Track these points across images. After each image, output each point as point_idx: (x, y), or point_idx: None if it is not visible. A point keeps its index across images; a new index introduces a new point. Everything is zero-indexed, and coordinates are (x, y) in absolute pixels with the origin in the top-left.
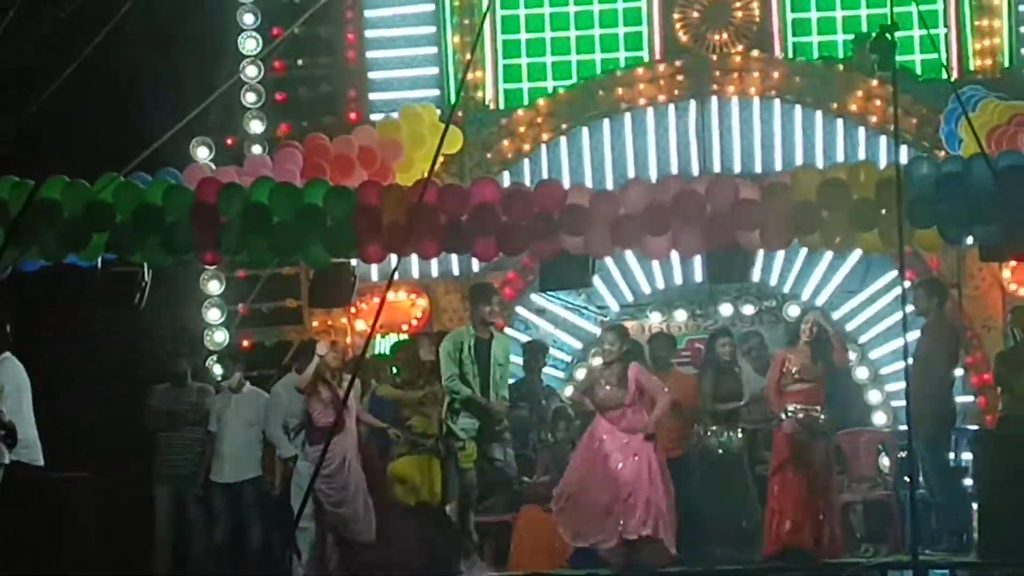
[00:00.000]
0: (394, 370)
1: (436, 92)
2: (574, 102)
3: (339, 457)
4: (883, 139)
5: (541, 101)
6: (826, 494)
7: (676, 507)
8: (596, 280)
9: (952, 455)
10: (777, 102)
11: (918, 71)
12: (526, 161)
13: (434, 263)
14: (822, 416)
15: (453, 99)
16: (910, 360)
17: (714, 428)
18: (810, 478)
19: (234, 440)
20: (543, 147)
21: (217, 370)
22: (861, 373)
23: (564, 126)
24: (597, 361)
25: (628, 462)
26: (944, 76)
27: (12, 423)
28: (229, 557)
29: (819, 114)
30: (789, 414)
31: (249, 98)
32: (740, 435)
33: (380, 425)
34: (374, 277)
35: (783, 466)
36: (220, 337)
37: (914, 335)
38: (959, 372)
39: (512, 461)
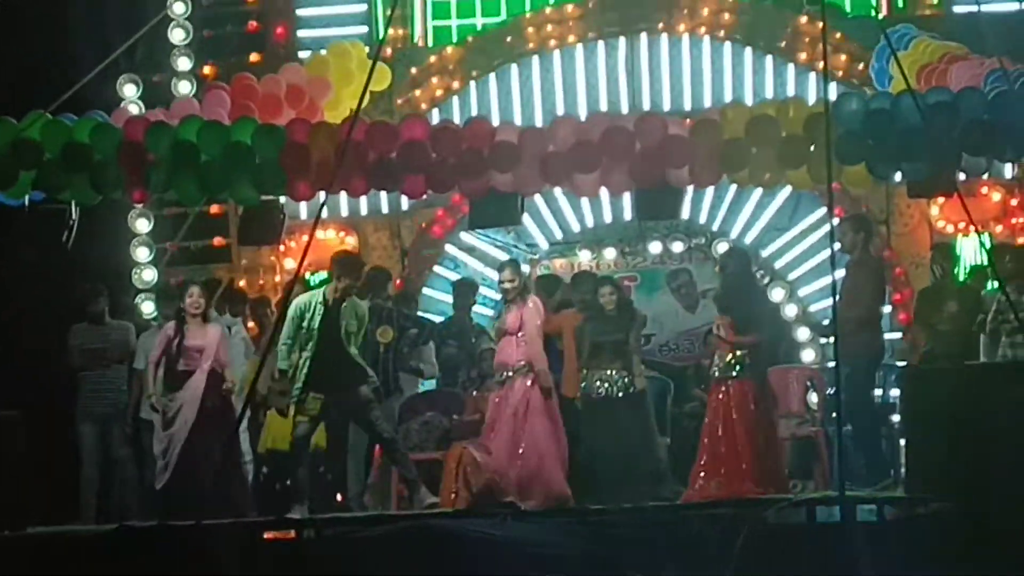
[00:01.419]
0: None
1: (364, 29)
2: (503, 39)
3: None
4: (812, 76)
5: (470, 38)
6: (763, 435)
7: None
8: (525, 218)
9: (880, 391)
10: (707, 39)
11: (847, 7)
12: (455, 99)
13: (363, 201)
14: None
15: (381, 36)
16: (838, 297)
17: (601, 373)
18: (746, 429)
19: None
20: (472, 84)
21: (146, 308)
22: (790, 310)
23: (494, 63)
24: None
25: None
26: (874, 13)
27: None
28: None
29: (748, 51)
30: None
31: (176, 35)
32: (629, 379)
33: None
34: (303, 215)
35: (715, 423)
36: (149, 275)
37: (842, 273)
38: (887, 309)
39: (375, 421)
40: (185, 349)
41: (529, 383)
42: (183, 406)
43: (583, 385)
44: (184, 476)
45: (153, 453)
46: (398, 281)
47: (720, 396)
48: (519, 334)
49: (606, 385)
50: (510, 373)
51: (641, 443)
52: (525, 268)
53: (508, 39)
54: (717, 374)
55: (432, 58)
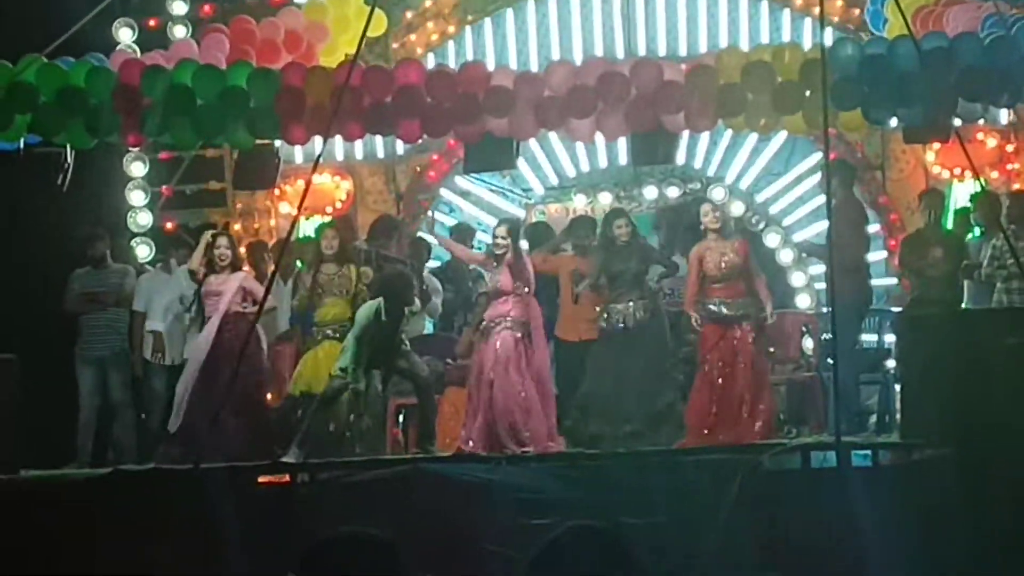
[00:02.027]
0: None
1: None
2: None
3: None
4: (807, 21)
5: None
6: (755, 383)
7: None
8: (520, 162)
9: (876, 337)
10: None
11: None
12: (451, 43)
13: (358, 145)
14: (736, 305)
15: None
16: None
17: (617, 306)
18: (737, 377)
19: (161, 320)
20: (468, 29)
21: (141, 252)
22: (785, 256)
23: (489, 8)
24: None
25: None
26: None
27: None
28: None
29: None
30: (712, 308)
31: None
32: (648, 311)
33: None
34: (298, 159)
35: (708, 369)
36: (144, 219)
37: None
38: (882, 255)
39: (415, 365)
40: (204, 294)
41: (520, 336)
42: (194, 350)
43: (603, 317)
44: (194, 419)
45: (157, 395)
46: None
47: (722, 340)
48: (515, 291)
49: (624, 316)
50: (505, 324)
51: (660, 374)
52: (521, 213)
53: None
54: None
55: (427, 2)
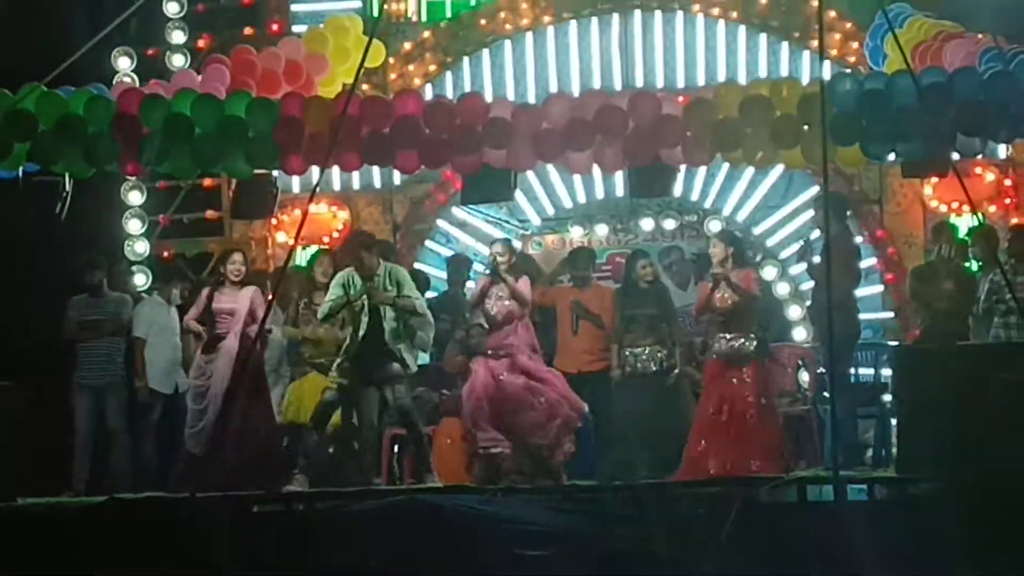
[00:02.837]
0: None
1: (358, 3)
2: (497, 14)
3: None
4: (806, 54)
5: (464, 13)
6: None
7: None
8: (517, 193)
9: (872, 370)
10: (700, 16)
11: None
12: (449, 74)
13: (356, 175)
14: (746, 341)
15: (376, 11)
16: (813, 283)
17: (635, 350)
18: (740, 416)
19: (167, 349)
20: (466, 60)
21: (138, 280)
22: (781, 289)
23: (488, 39)
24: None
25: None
26: None
27: None
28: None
29: (742, 29)
30: (717, 344)
31: (171, 8)
32: (665, 355)
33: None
34: (296, 189)
35: (709, 399)
36: (141, 247)
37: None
38: (877, 288)
39: (403, 396)
40: (216, 312)
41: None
42: (216, 372)
43: (625, 356)
44: (220, 443)
45: (153, 421)
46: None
47: (728, 376)
48: (520, 320)
49: (640, 361)
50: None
51: (674, 421)
52: (517, 244)
53: (502, 15)
54: (723, 350)
55: (426, 33)
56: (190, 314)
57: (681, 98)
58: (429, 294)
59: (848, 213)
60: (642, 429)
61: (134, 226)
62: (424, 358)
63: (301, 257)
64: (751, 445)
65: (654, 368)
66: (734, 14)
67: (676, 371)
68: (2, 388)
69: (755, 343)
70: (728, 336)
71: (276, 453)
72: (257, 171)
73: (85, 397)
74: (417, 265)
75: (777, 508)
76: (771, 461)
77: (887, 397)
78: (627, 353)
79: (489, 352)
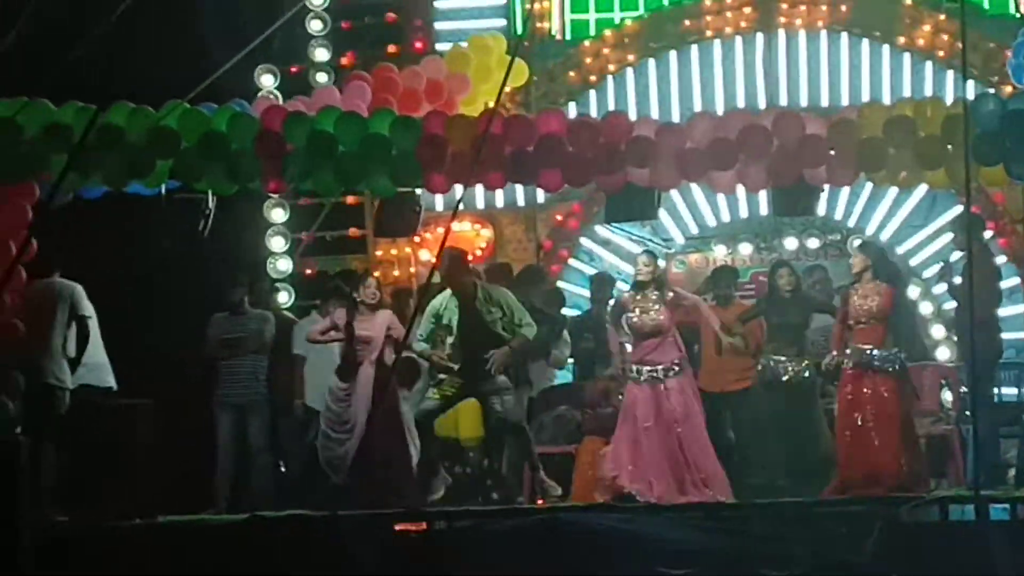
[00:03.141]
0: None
1: (502, 22)
2: (641, 33)
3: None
4: (950, 74)
5: (608, 32)
6: (899, 432)
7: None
8: (661, 212)
9: (1016, 390)
10: (844, 35)
11: (986, 5)
12: (592, 92)
13: (499, 193)
14: (878, 353)
15: (520, 29)
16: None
17: (778, 358)
18: (878, 420)
19: (328, 368)
20: (609, 78)
21: (281, 298)
22: (925, 308)
23: (631, 57)
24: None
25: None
26: (1012, 11)
27: None
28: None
29: (886, 48)
30: (847, 354)
31: (314, 26)
32: (805, 365)
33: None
34: (439, 207)
35: (846, 409)
36: (283, 265)
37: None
38: (1023, 307)
39: (511, 407)
40: (356, 339)
41: (685, 382)
42: (357, 401)
43: (759, 368)
44: (362, 472)
45: (305, 442)
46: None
47: (864, 384)
48: (669, 335)
49: (781, 369)
50: (663, 371)
51: (809, 432)
52: (661, 263)
53: (646, 33)
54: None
55: (570, 51)
56: (318, 327)
57: (825, 118)
58: (572, 312)
59: (989, 235)
60: (781, 438)
61: (277, 243)
62: (566, 376)
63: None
64: (893, 452)
65: (796, 376)
66: (877, 33)
67: (811, 379)
68: (143, 406)
69: (893, 358)
70: (866, 347)
71: (410, 476)
72: (401, 189)
73: (226, 415)
74: (560, 283)
75: (919, 528)
76: (911, 476)
77: None
78: (770, 362)
79: (635, 367)
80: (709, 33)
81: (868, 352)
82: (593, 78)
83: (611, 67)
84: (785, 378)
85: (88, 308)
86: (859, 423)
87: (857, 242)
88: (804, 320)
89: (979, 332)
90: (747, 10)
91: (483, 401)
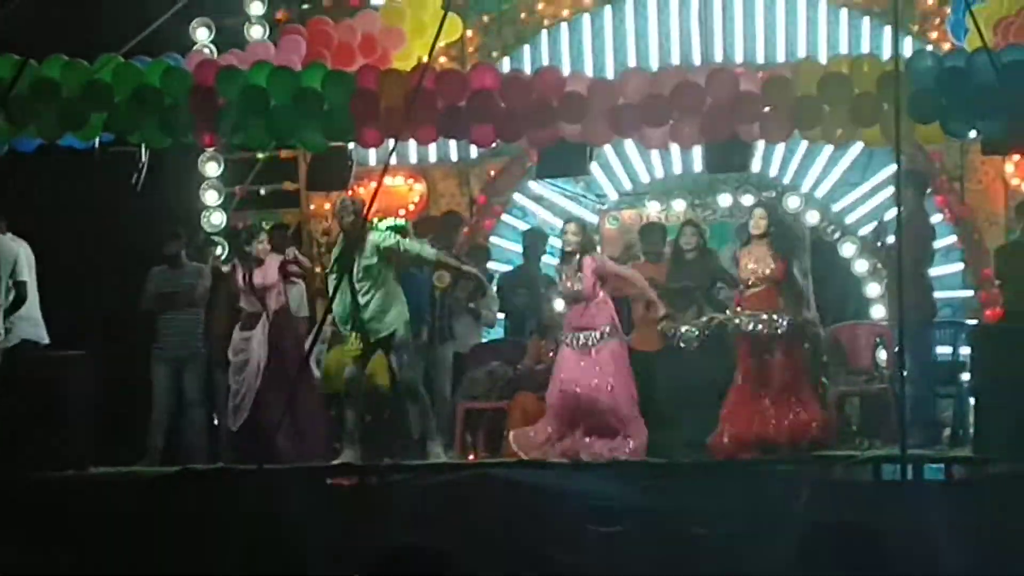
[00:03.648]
0: None
1: None
2: None
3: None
4: (887, 30)
5: None
6: (800, 393)
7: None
8: (595, 168)
9: (951, 349)
10: None
11: None
12: (526, 48)
13: (432, 148)
14: (777, 320)
15: None
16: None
17: (682, 328)
18: (772, 387)
19: None
20: (543, 33)
21: (218, 251)
22: (860, 266)
23: (565, 12)
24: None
25: (590, 383)
26: None
27: None
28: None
29: (823, 3)
30: (741, 322)
31: None
32: (704, 323)
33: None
34: (372, 161)
35: (742, 377)
36: (217, 219)
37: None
38: (959, 266)
39: (407, 366)
40: (252, 289)
41: (618, 345)
42: (253, 348)
43: (667, 331)
44: (257, 419)
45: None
46: (466, 229)
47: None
48: (597, 298)
49: (683, 334)
50: (597, 336)
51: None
52: (594, 219)
53: None
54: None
55: (504, 6)
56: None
57: (760, 74)
58: (504, 267)
59: (928, 191)
60: (683, 401)
61: (211, 197)
62: (497, 332)
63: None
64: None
65: (695, 335)
66: None
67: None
68: (75, 357)
69: (783, 323)
70: (758, 312)
71: (317, 428)
72: (333, 143)
73: (163, 368)
74: (493, 239)
75: (851, 487)
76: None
77: (965, 376)
78: (675, 324)
79: (567, 334)
80: None
81: (759, 317)
82: (527, 33)
83: (545, 22)
84: (683, 344)
85: (25, 273)
86: (752, 388)
87: (794, 202)
88: (704, 283)
89: (912, 291)
90: None
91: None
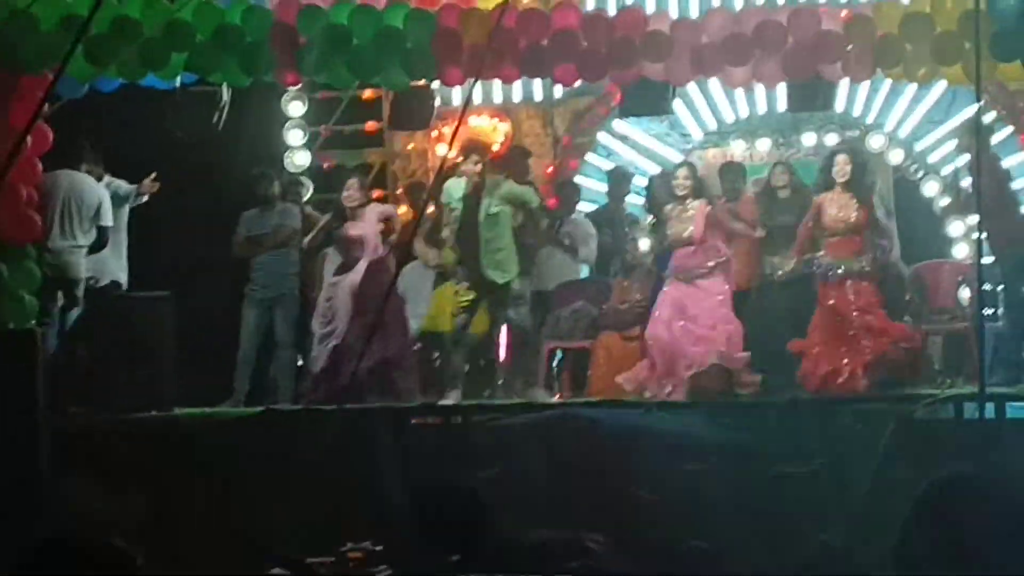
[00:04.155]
0: None
1: None
2: None
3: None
4: None
5: None
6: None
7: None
8: (679, 107)
9: None
10: None
11: None
12: None
13: (516, 87)
14: (860, 265)
15: None
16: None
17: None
18: (860, 324)
19: None
20: None
21: (304, 191)
22: (943, 203)
23: None
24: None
25: (699, 317)
26: None
27: None
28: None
29: None
30: (818, 269)
31: None
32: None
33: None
34: (455, 101)
35: (823, 318)
36: (301, 159)
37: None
38: None
39: (524, 320)
40: (344, 240)
41: (723, 281)
42: (340, 296)
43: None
44: (344, 364)
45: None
46: (550, 168)
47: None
48: (705, 243)
49: (773, 269)
50: (703, 273)
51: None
52: (679, 158)
53: None
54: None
55: None
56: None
57: (844, 13)
58: (589, 207)
59: (1006, 133)
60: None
61: (295, 137)
62: (584, 270)
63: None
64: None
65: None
66: None
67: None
68: (160, 298)
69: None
70: (842, 259)
71: (404, 371)
72: (415, 83)
73: (253, 310)
74: (578, 178)
75: (934, 424)
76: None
77: None
78: (771, 260)
79: (672, 272)
80: None
81: (840, 264)
82: None
83: None
84: (779, 275)
85: (108, 217)
86: (842, 327)
87: (878, 141)
88: (798, 220)
89: (1004, 231)
90: None
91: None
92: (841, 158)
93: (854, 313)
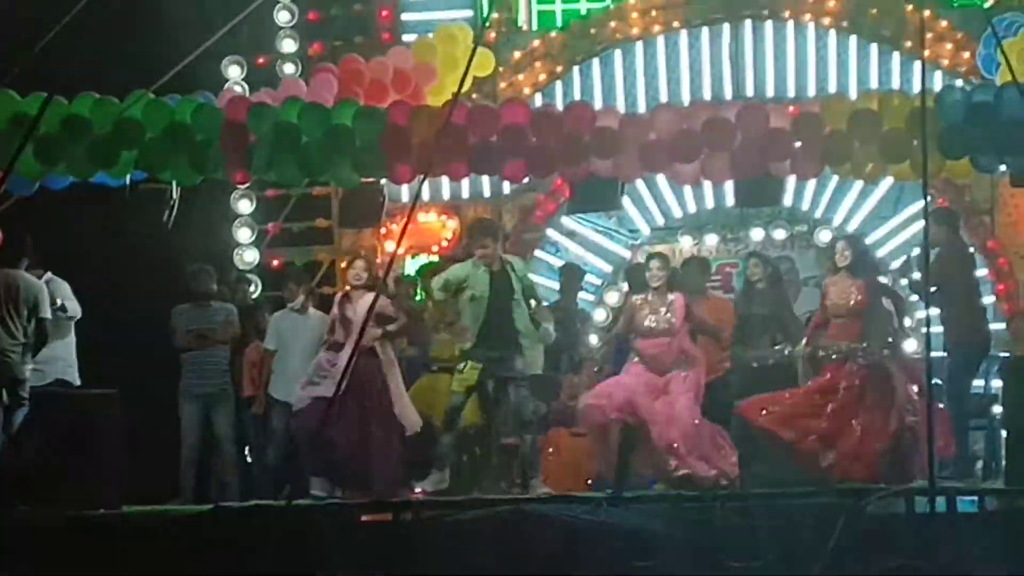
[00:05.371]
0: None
1: (469, 13)
2: (608, 24)
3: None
4: (917, 65)
5: (575, 23)
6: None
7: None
8: (627, 203)
9: (983, 382)
10: (811, 26)
11: None
12: (558, 83)
13: (465, 184)
14: (859, 349)
15: (485, 20)
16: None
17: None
18: (848, 409)
19: (298, 360)
20: (576, 69)
21: (253, 288)
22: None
23: (597, 48)
24: (622, 290)
25: (665, 401)
26: (980, 1)
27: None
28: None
29: (853, 39)
30: (821, 353)
31: (282, 17)
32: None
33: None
34: (404, 198)
35: (819, 388)
36: (250, 256)
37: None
38: (990, 299)
39: (523, 400)
40: (346, 322)
41: (693, 373)
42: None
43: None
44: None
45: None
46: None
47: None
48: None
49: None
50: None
51: None
52: (627, 254)
53: (612, 24)
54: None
55: (536, 42)
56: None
57: (790, 109)
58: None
59: (960, 224)
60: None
61: (243, 234)
62: (535, 369)
63: (410, 266)
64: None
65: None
66: (845, 24)
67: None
68: (107, 396)
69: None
70: (843, 343)
71: (395, 459)
72: (365, 180)
73: (191, 406)
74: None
75: (884, 519)
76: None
77: (997, 409)
78: (748, 352)
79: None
80: (676, 23)
81: (846, 347)
82: (559, 69)
83: (577, 58)
84: (756, 364)
85: (47, 310)
86: (829, 407)
87: (825, 236)
88: (777, 311)
89: (965, 321)
90: (714, 1)
91: (500, 386)
92: (840, 244)
93: (842, 390)
